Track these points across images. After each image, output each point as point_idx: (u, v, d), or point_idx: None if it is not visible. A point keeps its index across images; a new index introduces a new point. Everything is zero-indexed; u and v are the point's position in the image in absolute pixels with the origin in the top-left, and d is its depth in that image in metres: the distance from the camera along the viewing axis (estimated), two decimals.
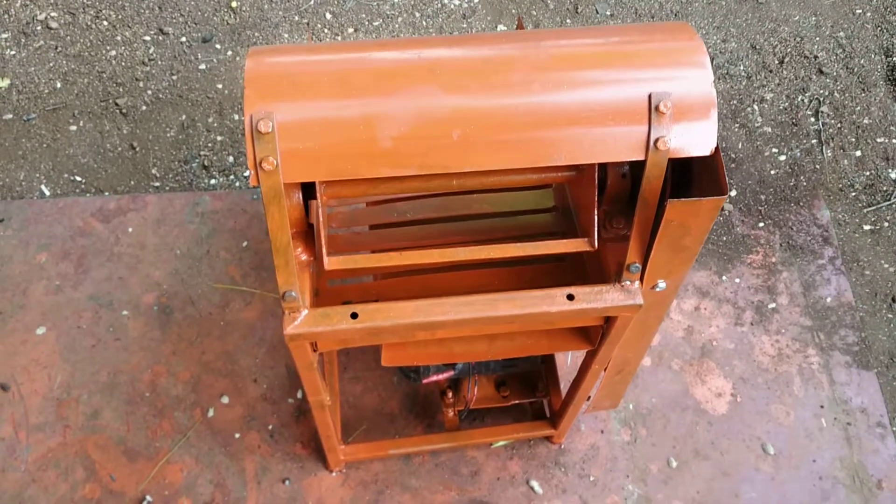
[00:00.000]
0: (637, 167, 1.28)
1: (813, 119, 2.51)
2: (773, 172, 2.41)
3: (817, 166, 2.43)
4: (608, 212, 1.33)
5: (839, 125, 2.51)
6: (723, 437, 2.03)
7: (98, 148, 2.37)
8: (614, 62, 1.16)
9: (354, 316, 1.25)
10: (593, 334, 1.46)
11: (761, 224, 2.32)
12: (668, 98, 1.13)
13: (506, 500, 1.93)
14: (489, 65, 1.13)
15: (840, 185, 2.40)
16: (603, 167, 1.28)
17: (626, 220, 1.32)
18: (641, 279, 1.29)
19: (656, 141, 1.14)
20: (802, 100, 2.54)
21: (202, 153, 2.37)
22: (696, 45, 1.17)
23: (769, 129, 2.49)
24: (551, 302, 1.28)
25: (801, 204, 2.36)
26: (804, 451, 2.02)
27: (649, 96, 1.13)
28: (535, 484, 1.95)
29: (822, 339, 2.16)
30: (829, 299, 2.22)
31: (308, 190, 1.25)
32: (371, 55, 1.15)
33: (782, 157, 2.44)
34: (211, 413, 1.99)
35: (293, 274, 1.19)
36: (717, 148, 1.15)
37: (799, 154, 2.44)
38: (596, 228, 1.28)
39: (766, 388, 2.09)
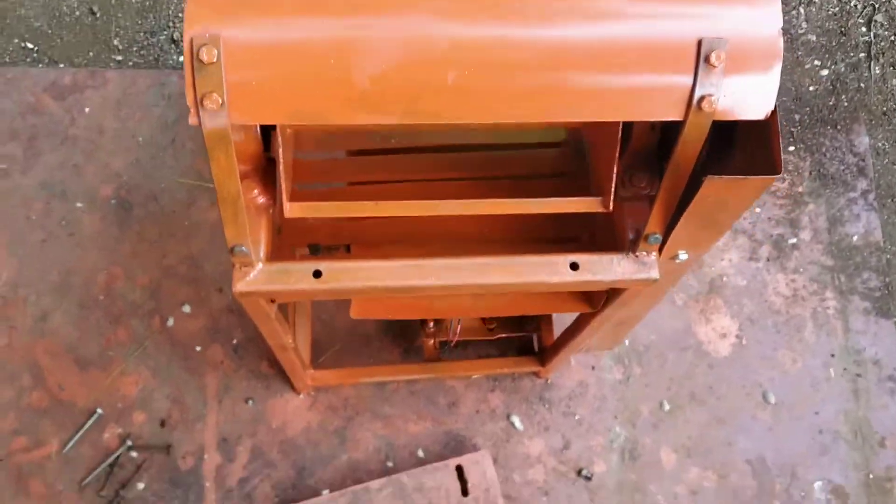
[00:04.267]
0: None
1: (864, 29, 2.22)
2: (811, 89, 2.15)
3: (862, 84, 2.16)
4: (629, 166, 1.11)
5: (893, 38, 2.22)
6: (722, 382, 1.88)
7: (53, 11, 2.08)
8: None
9: (318, 274, 1.05)
10: (596, 298, 1.27)
11: (791, 148, 2.09)
12: (722, 47, 0.89)
13: (483, 435, 1.81)
14: None
15: (884, 109, 2.15)
16: None
17: (650, 178, 1.11)
18: (660, 251, 1.09)
19: (701, 100, 0.90)
20: (855, 5, 2.24)
21: (172, 24, 2.09)
22: None
23: (813, 38, 2.20)
24: (552, 271, 1.08)
25: (839, 127, 2.11)
26: (807, 402, 1.88)
27: (699, 43, 0.89)
28: (516, 419, 1.82)
29: (842, 282, 1.98)
30: (855, 238, 2.02)
31: None
32: None
33: (824, 72, 2.17)
34: (171, 323, 1.83)
35: (244, 226, 0.99)
36: (774, 111, 0.92)
37: (843, 69, 2.17)
38: (613, 187, 1.07)
39: (775, 332, 1.93)
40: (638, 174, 1.10)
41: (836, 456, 1.85)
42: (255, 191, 1.06)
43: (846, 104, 2.14)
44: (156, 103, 1.98)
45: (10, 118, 1.94)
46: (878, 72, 2.17)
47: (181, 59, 2.06)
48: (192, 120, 0.87)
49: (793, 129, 2.10)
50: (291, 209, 1.05)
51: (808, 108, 2.12)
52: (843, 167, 2.08)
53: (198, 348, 1.81)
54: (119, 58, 2.04)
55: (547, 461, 1.80)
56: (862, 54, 2.18)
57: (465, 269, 1.07)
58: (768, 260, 1.99)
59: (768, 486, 1.82)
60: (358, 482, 1.72)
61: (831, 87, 2.16)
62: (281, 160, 0.99)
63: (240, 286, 1.05)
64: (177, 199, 1.91)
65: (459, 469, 1.74)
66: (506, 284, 1.08)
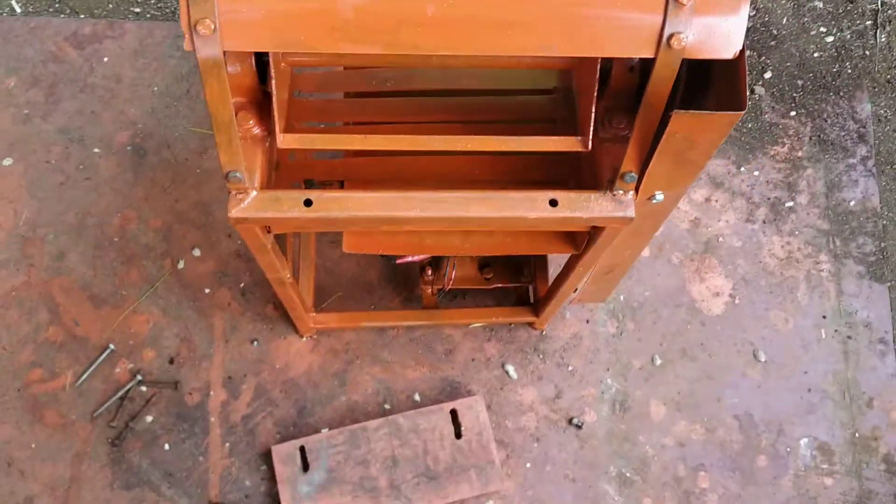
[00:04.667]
0: (648, 60, 1.09)
1: None
2: (816, 55, 2.17)
3: (867, 52, 2.18)
4: (610, 108, 1.16)
5: None
6: (714, 339, 1.93)
7: None
8: None
9: (308, 203, 1.11)
10: (579, 239, 1.32)
11: (793, 113, 2.12)
12: None
13: (478, 382, 1.87)
14: None
15: (888, 77, 2.17)
16: (607, 58, 1.09)
17: (629, 120, 1.15)
18: (637, 190, 1.14)
19: (670, 37, 0.95)
20: None
21: None
22: None
23: (820, 5, 2.22)
24: (531, 207, 1.13)
25: (842, 94, 2.13)
26: (797, 362, 1.92)
27: None
28: (510, 368, 1.88)
29: (837, 246, 2.01)
30: (852, 203, 2.05)
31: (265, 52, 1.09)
32: None
33: (829, 39, 2.19)
34: (181, 265, 1.90)
35: (238, 153, 1.05)
36: (742, 51, 0.96)
37: (849, 36, 2.19)
38: (592, 126, 1.12)
39: (769, 293, 1.97)
40: (618, 116, 1.15)
41: (824, 414, 1.89)
42: (251, 121, 1.12)
43: (850, 71, 2.16)
44: (171, 54, 2.05)
45: (32, 65, 2.02)
46: (883, 39, 2.18)
47: None
48: (187, 45, 0.93)
49: (795, 95, 2.13)
50: (284, 140, 1.11)
51: (811, 74, 2.15)
52: (843, 133, 2.10)
53: (206, 290, 1.89)
54: (137, 10, 2.11)
55: (539, 409, 1.86)
56: (868, 22, 2.20)
57: (448, 202, 1.12)
58: (764, 222, 2.02)
59: (755, 440, 1.86)
60: (356, 423, 1.79)
61: (836, 54, 2.17)
62: (274, 92, 1.05)
63: (234, 212, 1.11)
64: (190, 148, 1.98)
65: (454, 413, 1.80)
66: (486, 218, 1.13)
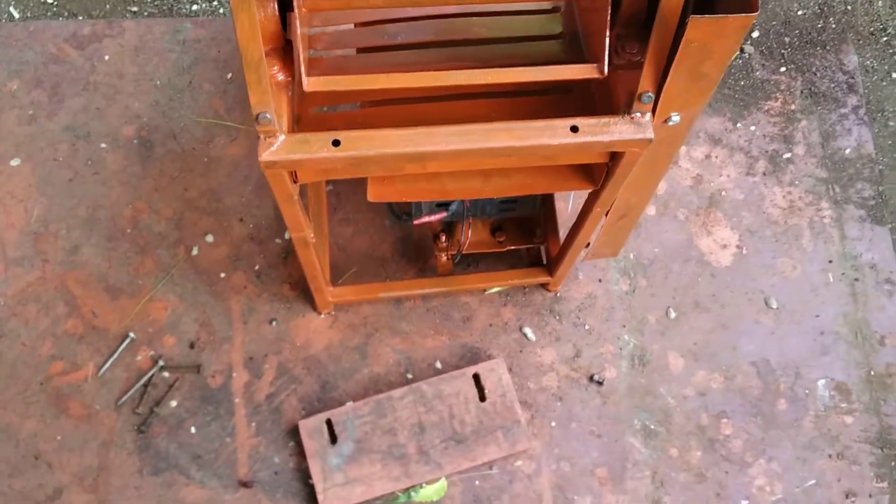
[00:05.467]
0: None
1: None
2: (800, 13, 2.23)
3: (849, 7, 2.24)
4: (621, 35, 1.20)
5: None
6: (725, 290, 1.96)
7: None
8: None
9: (336, 143, 1.14)
10: (597, 173, 1.35)
11: (783, 69, 2.17)
12: None
13: (497, 347, 1.89)
14: None
15: (871, 30, 2.23)
16: None
17: (640, 46, 1.19)
18: (654, 111, 1.17)
19: None
20: None
21: None
22: None
23: None
24: (553, 134, 1.16)
25: (828, 48, 2.19)
26: (807, 306, 1.96)
27: None
28: (528, 331, 1.90)
29: (836, 192, 2.05)
30: (848, 150, 2.10)
31: (285, 1, 1.12)
32: None
33: None
34: (195, 251, 1.92)
35: (267, 93, 1.07)
36: None
37: None
38: (607, 52, 1.15)
39: (774, 241, 2.01)
40: (630, 42, 1.19)
41: (838, 355, 1.92)
42: (276, 67, 1.14)
43: (834, 26, 2.22)
44: (171, 49, 2.07)
45: (34, 68, 2.04)
46: None
47: (194, 7, 2.15)
48: None
49: (783, 52, 2.18)
50: (310, 83, 1.13)
51: (797, 31, 2.20)
52: (833, 85, 2.15)
53: (222, 275, 1.90)
54: (134, 9, 2.14)
55: (559, 369, 1.88)
56: None
57: (473, 133, 1.15)
58: (764, 174, 2.06)
59: (773, 385, 1.89)
60: (380, 393, 1.80)
61: (819, 11, 2.23)
62: (298, 31, 1.08)
63: (265, 155, 1.13)
64: (195, 137, 2.00)
65: (476, 377, 1.82)
66: (510, 147, 1.16)
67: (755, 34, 2.20)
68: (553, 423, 1.83)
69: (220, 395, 1.81)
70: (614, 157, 1.26)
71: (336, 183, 1.97)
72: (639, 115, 1.17)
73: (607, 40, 1.13)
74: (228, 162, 1.98)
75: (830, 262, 1.99)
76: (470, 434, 1.78)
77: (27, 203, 1.93)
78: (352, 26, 1.41)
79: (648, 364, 1.89)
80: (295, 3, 1.07)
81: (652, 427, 1.84)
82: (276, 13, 1.12)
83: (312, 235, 1.44)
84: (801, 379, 1.90)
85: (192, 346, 1.85)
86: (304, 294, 1.89)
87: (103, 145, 1.98)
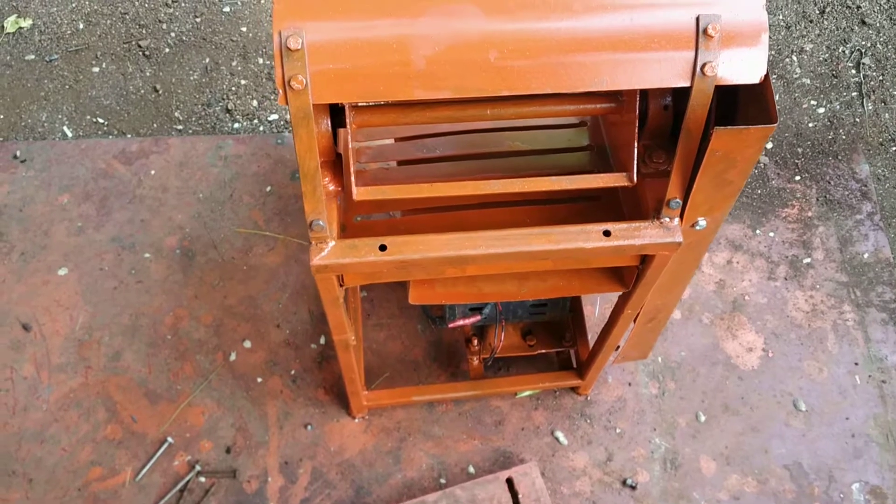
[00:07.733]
0: (679, 100, 1.22)
1: (854, 71, 2.42)
2: (811, 125, 2.33)
3: (857, 119, 2.35)
4: (647, 146, 1.28)
5: (881, 77, 2.42)
6: (753, 393, 1.98)
7: (121, 90, 2.33)
8: None
9: (383, 248, 1.21)
10: (627, 276, 1.41)
11: (797, 178, 2.26)
12: (717, 21, 1.07)
13: (530, 451, 1.90)
14: None
15: (881, 140, 2.33)
16: (644, 98, 1.22)
17: (667, 155, 1.27)
18: (681, 216, 1.24)
19: (703, 66, 1.08)
20: (843, 51, 2.45)
21: (226, 97, 2.33)
22: None
23: (808, 81, 2.40)
24: (587, 238, 1.23)
25: (840, 158, 2.28)
26: (837, 408, 1.97)
27: (697, 19, 1.07)
28: (559, 435, 1.92)
29: (858, 296, 2.10)
30: (866, 255, 2.15)
31: (336, 118, 1.21)
32: None
33: (821, 110, 2.36)
34: (233, 357, 1.97)
35: (321, 202, 1.15)
36: (766, 75, 1.09)
37: (838, 107, 2.36)
38: (635, 162, 1.23)
39: (799, 344, 2.04)
40: (656, 152, 1.27)
41: (871, 458, 1.92)
42: (327, 178, 1.23)
43: (844, 137, 2.32)
44: (214, 164, 2.19)
45: (83, 182, 2.16)
46: (870, 107, 2.35)
47: (236, 125, 2.28)
48: (281, 101, 1.05)
49: (797, 161, 2.28)
50: (359, 192, 1.21)
51: (809, 142, 2.30)
52: (847, 192, 2.23)
53: (259, 380, 1.95)
54: (180, 127, 2.27)
55: (592, 473, 1.88)
56: (854, 93, 2.38)
57: (511, 237, 1.22)
58: (786, 279, 2.12)
59: (807, 489, 1.88)
60: (413, 498, 1.81)
61: (829, 123, 2.34)
62: (350, 146, 1.16)
63: (317, 260, 1.20)
64: (235, 247, 2.09)
65: (510, 481, 1.83)
66: (547, 251, 1.23)
67: (769, 145, 2.30)
68: None
69: (256, 500, 1.83)
70: (644, 260, 1.33)
71: (370, 290, 2.04)
72: (667, 219, 1.24)
73: (636, 151, 1.21)
74: (266, 270, 2.06)
75: (856, 364, 2.02)
76: None
77: (73, 311, 2.00)
78: (391, 141, 1.51)
79: (680, 468, 1.90)
80: (347, 121, 1.16)
81: None
82: (330, 129, 1.21)
83: (353, 338, 1.49)
84: (836, 482, 1.89)
85: (228, 450, 1.87)
86: (339, 398, 1.93)
87: (147, 255, 2.07)
